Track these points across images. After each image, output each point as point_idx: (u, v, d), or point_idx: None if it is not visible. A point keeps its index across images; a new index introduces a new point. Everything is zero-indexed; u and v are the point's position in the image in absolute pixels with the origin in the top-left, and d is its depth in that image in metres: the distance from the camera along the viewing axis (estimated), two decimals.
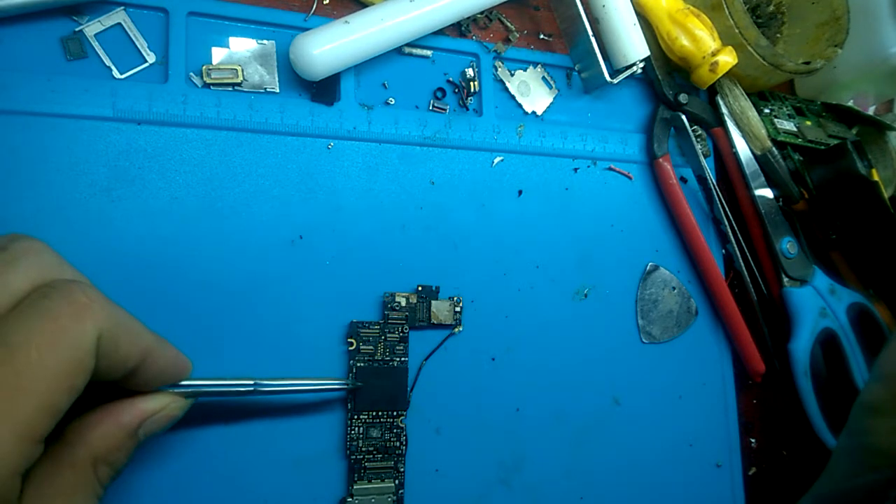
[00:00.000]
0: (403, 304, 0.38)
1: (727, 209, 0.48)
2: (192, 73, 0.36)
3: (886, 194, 0.47)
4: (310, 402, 0.36)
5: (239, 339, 0.35)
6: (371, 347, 0.37)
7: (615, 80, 0.44)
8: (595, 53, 0.44)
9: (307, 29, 0.37)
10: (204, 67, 0.36)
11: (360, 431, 0.36)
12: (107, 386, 0.25)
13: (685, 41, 0.45)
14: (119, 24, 0.35)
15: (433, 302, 0.39)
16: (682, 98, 0.47)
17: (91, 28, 0.34)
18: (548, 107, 0.45)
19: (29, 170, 0.32)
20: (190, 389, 0.28)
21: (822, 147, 0.50)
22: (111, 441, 0.25)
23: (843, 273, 0.51)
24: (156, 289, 0.33)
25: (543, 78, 0.45)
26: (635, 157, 0.47)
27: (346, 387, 0.36)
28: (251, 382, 0.31)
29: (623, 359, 0.44)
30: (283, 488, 0.35)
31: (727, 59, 0.44)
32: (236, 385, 0.31)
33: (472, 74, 0.43)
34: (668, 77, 0.47)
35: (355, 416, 0.36)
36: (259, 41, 0.38)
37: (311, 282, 0.37)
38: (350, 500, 0.35)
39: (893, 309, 0.50)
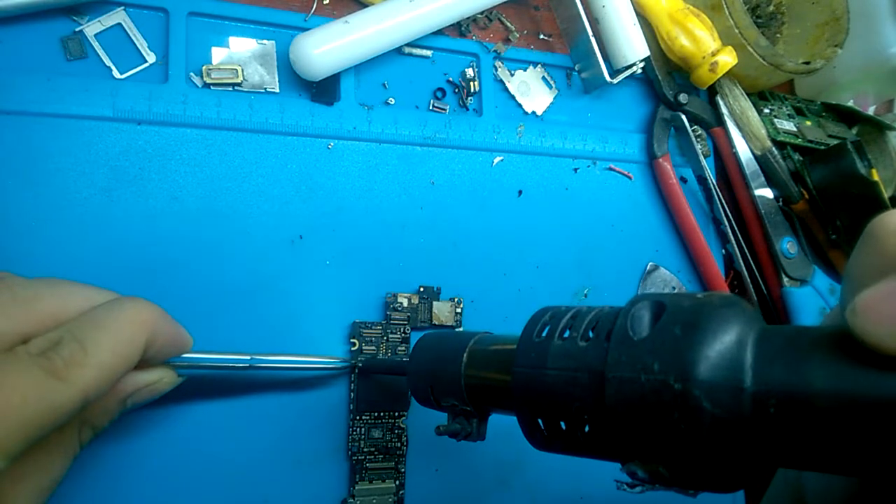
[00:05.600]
0: (405, 304, 0.38)
1: (727, 209, 0.48)
2: (192, 73, 0.36)
3: (886, 194, 0.47)
4: (311, 403, 0.36)
5: (240, 339, 0.35)
6: (373, 348, 0.37)
7: (615, 80, 0.44)
8: (595, 53, 0.44)
9: (307, 29, 0.37)
10: (204, 67, 0.36)
11: (362, 432, 0.36)
12: None
13: (685, 41, 0.45)
14: (119, 24, 0.35)
15: (434, 303, 0.39)
16: (682, 98, 0.47)
17: (91, 28, 0.34)
18: (548, 107, 0.45)
19: (29, 170, 0.32)
20: (187, 363, 0.29)
21: (822, 147, 0.50)
22: (100, 407, 0.26)
23: (842, 273, 0.51)
24: (155, 289, 0.33)
25: (543, 78, 0.45)
26: (635, 157, 0.47)
27: (343, 364, 0.35)
28: (247, 358, 0.31)
29: None
30: (284, 489, 0.35)
31: (727, 59, 0.44)
32: (233, 360, 0.31)
33: (472, 74, 0.43)
34: (668, 77, 0.47)
35: (357, 417, 0.36)
36: (259, 41, 0.38)
37: (312, 282, 0.37)
38: (351, 500, 0.35)
39: None
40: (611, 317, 0.21)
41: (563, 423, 0.22)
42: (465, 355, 0.27)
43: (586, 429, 0.21)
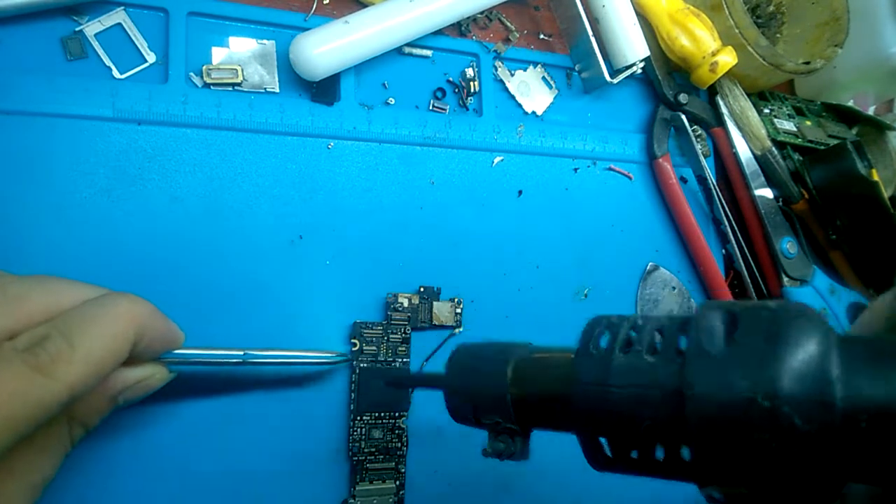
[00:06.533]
0: (406, 304, 0.38)
1: (727, 209, 0.48)
2: (192, 73, 0.36)
3: (886, 194, 0.47)
4: (312, 404, 0.36)
5: (240, 340, 0.35)
6: (374, 348, 0.37)
7: (615, 80, 0.44)
8: (595, 53, 0.44)
9: (307, 29, 0.37)
10: (204, 67, 0.36)
11: (363, 432, 0.36)
12: None
13: (685, 41, 0.45)
14: (119, 24, 0.35)
15: (435, 303, 0.39)
16: (682, 98, 0.47)
17: (91, 28, 0.34)
18: (548, 107, 0.45)
19: (29, 170, 0.32)
20: (179, 359, 0.29)
21: (822, 147, 0.50)
22: (90, 404, 0.26)
23: (843, 273, 0.51)
24: (155, 289, 0.33)
25: (543, 78, 0.45)
26: (635, 157, 0.47)
27: (337, 359, 0.35)
28: (241, 353, 0.31)
29: None
30: (285, 489, 0.35)
31: (727, 59, 0.44)
32: (226, 355, 0.31)
33: (472, 74, 0.43)
34: (668, 77, 0.47)
35: (357, 418, 0.36)
36: (259, 41, 0.38)
37: (312, 282, 0.37)
38: (352, 501, 0.35)
39: None
40: (674, 328, 0.20)
41: (630, 444, 0.20)
42: (509, 370, 0.25)
43: (657, 449, 0.20)
